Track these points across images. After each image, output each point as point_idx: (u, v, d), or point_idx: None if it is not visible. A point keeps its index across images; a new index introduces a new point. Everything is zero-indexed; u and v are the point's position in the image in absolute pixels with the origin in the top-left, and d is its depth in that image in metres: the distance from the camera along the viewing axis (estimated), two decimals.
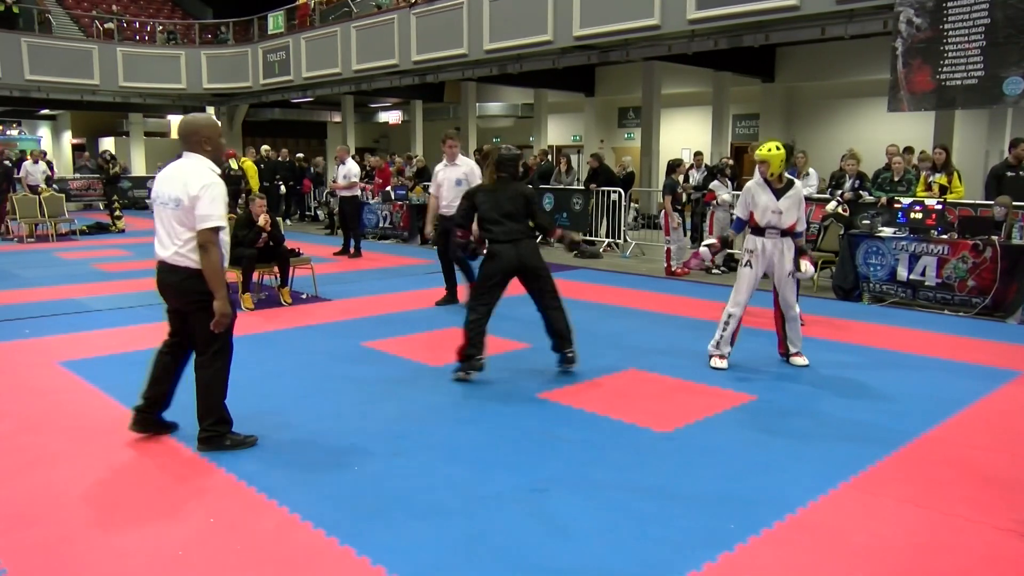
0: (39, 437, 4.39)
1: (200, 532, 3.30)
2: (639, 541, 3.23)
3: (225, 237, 4.10)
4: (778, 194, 5.72)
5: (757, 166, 5.83)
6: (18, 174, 17.01)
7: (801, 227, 5.89)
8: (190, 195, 3.95)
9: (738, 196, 6.46)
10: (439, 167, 8.40)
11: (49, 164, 18.81)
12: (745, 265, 5.86)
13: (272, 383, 5.46)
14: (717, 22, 12.07)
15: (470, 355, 5.48)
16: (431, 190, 8.57)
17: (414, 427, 4.56)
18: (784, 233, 5.79)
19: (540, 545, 3.19)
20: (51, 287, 9.34)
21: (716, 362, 5.89)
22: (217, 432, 4.20)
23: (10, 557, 3.07)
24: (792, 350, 6.01)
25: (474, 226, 5.71)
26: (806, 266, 5.86)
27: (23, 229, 14.63)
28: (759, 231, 5.81)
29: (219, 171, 4.15)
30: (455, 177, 8.08)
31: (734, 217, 6.06)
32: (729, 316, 5.85)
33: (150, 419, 4.37)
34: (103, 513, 3.47)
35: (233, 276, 8.23)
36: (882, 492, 3.72)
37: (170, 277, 4.10)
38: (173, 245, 4.04)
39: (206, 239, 3.95)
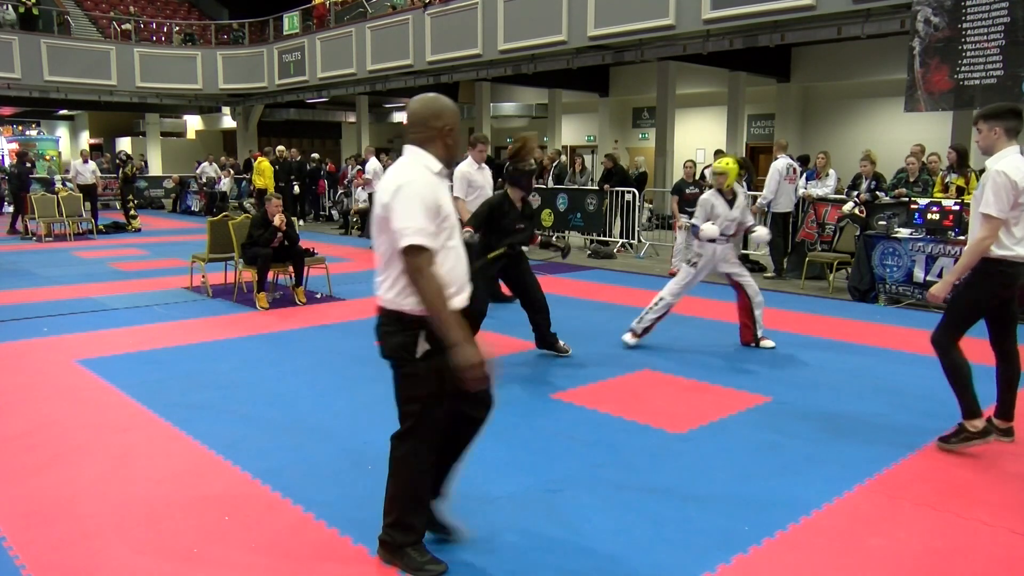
0: (56, 435, 4.42)
1: (215, 530, 3.31)
2: (653, 542, 3.22)
3: None
4: (730, 204, 6.30)
5: (715, 177, 6.38)
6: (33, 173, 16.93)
7: (750, 221, 6.53)
8: None
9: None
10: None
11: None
12: (692, 264, 6.44)
13: (287, 381, 5.48)
14: (732, 22, 12.02)
15: None
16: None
17: None
18: (729, 239, 6.40)
19: (554, 546, 3.18)
20: (69, 286, 9.41)
21: (628, 338, 6.42)
22: None
23: (28, 553, 3.10)
24: (760, 334, 6.46)
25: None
26: (761, 230, 6.54)
27: (40, 228, 14.75)
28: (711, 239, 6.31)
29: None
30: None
31: (691, 224, 6.53)
32: (660, 299, 6.36)
33: None
34: (118, 511, 3.49)
35: (249, 275, 8.28)
36: (899, 495, 3.69)
37: None
38: None
39: None
